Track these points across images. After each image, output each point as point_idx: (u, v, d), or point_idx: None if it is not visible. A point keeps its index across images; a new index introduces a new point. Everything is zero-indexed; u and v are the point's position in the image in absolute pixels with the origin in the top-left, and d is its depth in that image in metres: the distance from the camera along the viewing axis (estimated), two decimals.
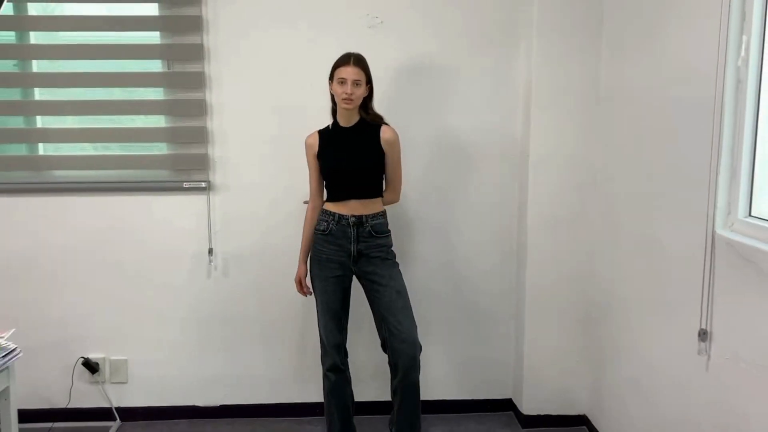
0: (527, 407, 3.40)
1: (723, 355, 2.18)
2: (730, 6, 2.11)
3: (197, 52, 3.25)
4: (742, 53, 2.10)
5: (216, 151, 3.34)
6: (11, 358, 2.36)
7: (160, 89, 3.35)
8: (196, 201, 3.36)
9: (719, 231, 2.20)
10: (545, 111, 3.20)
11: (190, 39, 3.25)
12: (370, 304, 2.96)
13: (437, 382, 3.52)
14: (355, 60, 2.81)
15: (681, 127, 2.43)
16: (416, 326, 2.93)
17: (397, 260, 3.01)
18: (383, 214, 2.96)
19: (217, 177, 3.36)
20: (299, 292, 3.07)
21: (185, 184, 3.34)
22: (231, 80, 3.29)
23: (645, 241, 2.74)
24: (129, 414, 3.48)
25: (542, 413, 3.40)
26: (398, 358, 2.88)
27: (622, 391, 2.97)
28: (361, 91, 2.81)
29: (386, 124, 2.92)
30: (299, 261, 3.05)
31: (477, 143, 3.38)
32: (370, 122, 2.90)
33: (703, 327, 2.26)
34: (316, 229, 2.96)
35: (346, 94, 2.78)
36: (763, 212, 2.13)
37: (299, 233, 3.10)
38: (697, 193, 2.29)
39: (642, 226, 2.77)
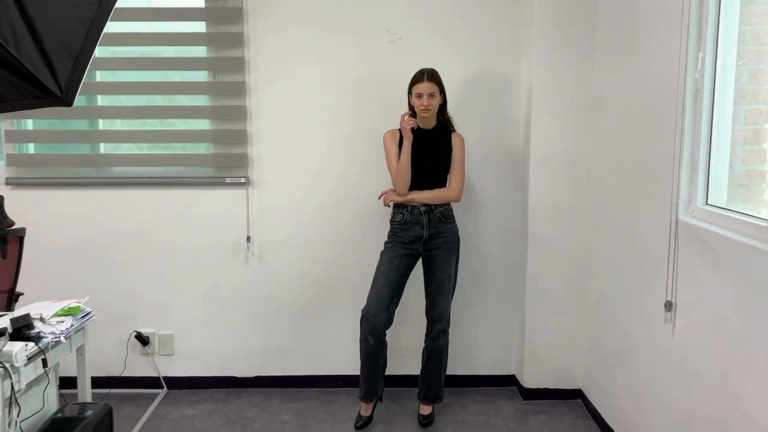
0: (528, 381, 3.80)
1: (685, 322, 2.57)
2: (688, 27, 2.51)
3: (239, 65, 3.71)
4: (699, 66, 2.50)
5: (254, 151, 3.80)
6: (87, 320, 2.82)
7: (206, 96, 3.82)
8: (236, 194, 3.82)
9: (682, 217, 2.59)
10: (544, 116, 3.62)
11: (233, 53, 3.72)
12: (424, 280, 3.47)
13: (449, 358, 3.92)
14: (429, 76, 3.29)
15: (652, 130, 2.84)
16: (450, 304, 3.46)
17: (459, 246, 3.49)
18: (448, 203, 3.44)
19: (254, 173, 3.81)
20: (406, 124, 3.30)
21: (227, 180, 3.80)
22: (268, 89, 3.75)
23: (626, 227, 3.14)
24: (174, 383, 3.94)
25: (542, 387, 3.79)
26: (431, 327, 3.47)
27: (610, 365, 3.36)
28: (436, 101, 3.31)
29: (455, 131, 3.46)
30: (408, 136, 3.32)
31: (485, 144, 3.79)
32: (445, 127, 3.41)
33: (669, 299, 2.66)
34: (392, 221, 3.44)
35: (423, 105, 3.28)
36: (718, 200, 2.52)
37: (328, 224, 3.79)
38: (664, 185, 2.69)
39: (624, 215, 3.17)
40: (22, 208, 3.72)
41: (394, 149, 3.39)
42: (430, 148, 3.37)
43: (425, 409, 3.52)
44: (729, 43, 2.43)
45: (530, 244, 3.71)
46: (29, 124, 3.87)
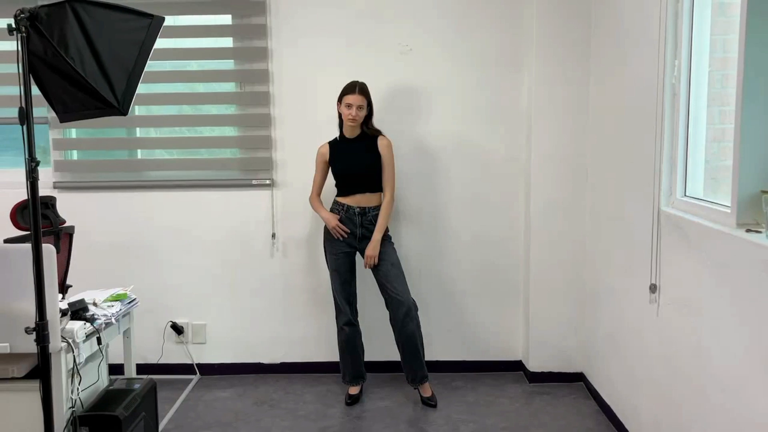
0: (533, 366, 4.09)
1: (667, 302, 2.85)
2: (666, 38, 2.81)
3: (264, 76, 4.06)
4: (675, 73, 2.79)
5: (278, 155, 4.14)
6: (132, 305, 3.17)
7: (234, 106, 4.18)
8: (261, 195, 4.17)
9: (663, 208, 2.88)
10: (544, 119, 3.93)
11: (258, 65, 4.07)
12: (373, 274, 3.77)
13: (459, 345, 4.23)
14: (359, 89, 3.62)
15: (638, 130, 3.13)
16: (408, 289, 3.73)
17: (392, 240, 3.81)
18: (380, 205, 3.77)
19: (279, 176, 4.16)
20: (339, 234, 3.70)
21: (253, 182, 4.15)
22: (291, 98, 4.10)
23: (617, 219, 3.44)
24: (207, 369, 4.29)
25: (546, 370, 4.08)
26: (395, 314, 3.71)
27: (606, 348, 3.64)
28: (363, 113, 3.65)
29: (383, 135, 3.74)
30: (325, 217, 3.72)
31: (490, 146, 4.11)
32: (369, 134, 3.72)
33: (653, 282, 2.95)
34: None
35: (351, 116, 3.61)
36: (696, 192, 2.80)
37: None
38: (648, 179, 2.99)
39: (615, 208, 3.47)
40: (68, 209, 4.07)
41: (321, 168, 3.78)
42: (356, 156, 3.70)
43: (425, 391, 3.81)
44: (701, 51, 2.73)
45: (533, 238, 4.01)
46: (73, 132, 4.24)
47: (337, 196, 3.79)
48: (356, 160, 3.71)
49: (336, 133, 3.81)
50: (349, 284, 3.79)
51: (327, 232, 3.78)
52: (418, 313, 3.74)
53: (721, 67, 2.65)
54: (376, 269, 3.74)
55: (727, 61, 2.60)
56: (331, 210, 3.78)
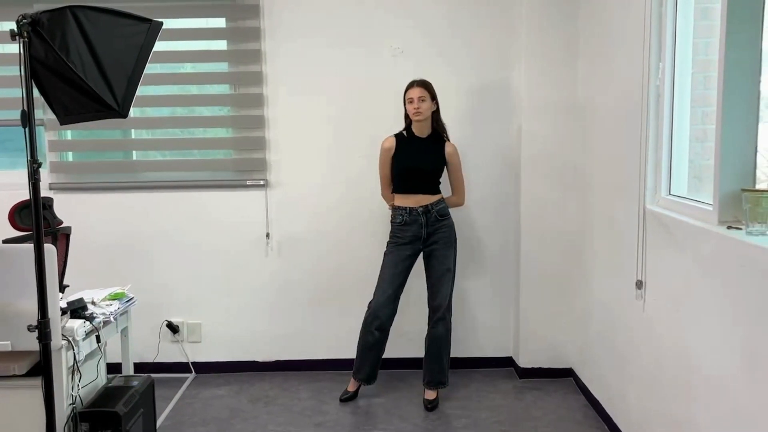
0: (523, 362, 4.17)
1: (652, 298, 2.94)
2: (650, 41, 2.89)
3: (257, 78, 4.12)
4: (659, 75, 2.88)
5: (272, 156, 4.20)
6: (130, 304, 3.23)
7: (228, 107, 4.24)
8: (256, 195, 4.23)
9: (648, 206, 2.96)
10: (533, 120, 4.01)
11: (252, 67, 4.13)
12: (425, 272, 3.84)
13: (451, 342, 4.28)
14: (419, 83, 3.69)
15: (624, 131, 3.22)
16: (450, 296, 3.80)
17: (456, 239, 3.84)
18: (442, 200, 3.82)
19: (273, 176, 4.22)
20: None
21: (248, 182, 4.21)
22: (284, 100, 4.16)
23: (604, 217, 3.52)
24: (202, 367, 4.34)
25: (536, 366, 4.16)
26: (431, 316, 3.82)
27: (595, 343, 3.73)
28: (427, 105, 3.66)
29: (449, 140, 3.79)
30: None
31: (481, 146, 4.18)
32: (439, 134, 3.76)
33: (639, 278, 3.03)
34: (393, 222, 3.81)
35: (415, 108, 3.64)
36: (680, 191, 2.88)
37: (339, 221, 4.19)
38: (634, 178, 3.07)
39: (603, 206, 3.56)
40: (64, 210, 4.10)
41: (387, 163, 3.78)
42: (424, 156, 3.74)
43: (430, 394, 3.84)
44: (684, 54, 2.81)
45: (523, 236, 4.09)
46: (69, 134, 4.29)
47: (396, 194, 3.81)
48: (425, 156, 3.73)
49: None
50: (401, 287, 3.81)
51: (394, 234, 3.79)
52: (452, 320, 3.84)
53: (704, 69, 2.74)
54: (431, 269, 3.80)
55: (709, 64, 2.68)
56: (394, 214, 3.79)
